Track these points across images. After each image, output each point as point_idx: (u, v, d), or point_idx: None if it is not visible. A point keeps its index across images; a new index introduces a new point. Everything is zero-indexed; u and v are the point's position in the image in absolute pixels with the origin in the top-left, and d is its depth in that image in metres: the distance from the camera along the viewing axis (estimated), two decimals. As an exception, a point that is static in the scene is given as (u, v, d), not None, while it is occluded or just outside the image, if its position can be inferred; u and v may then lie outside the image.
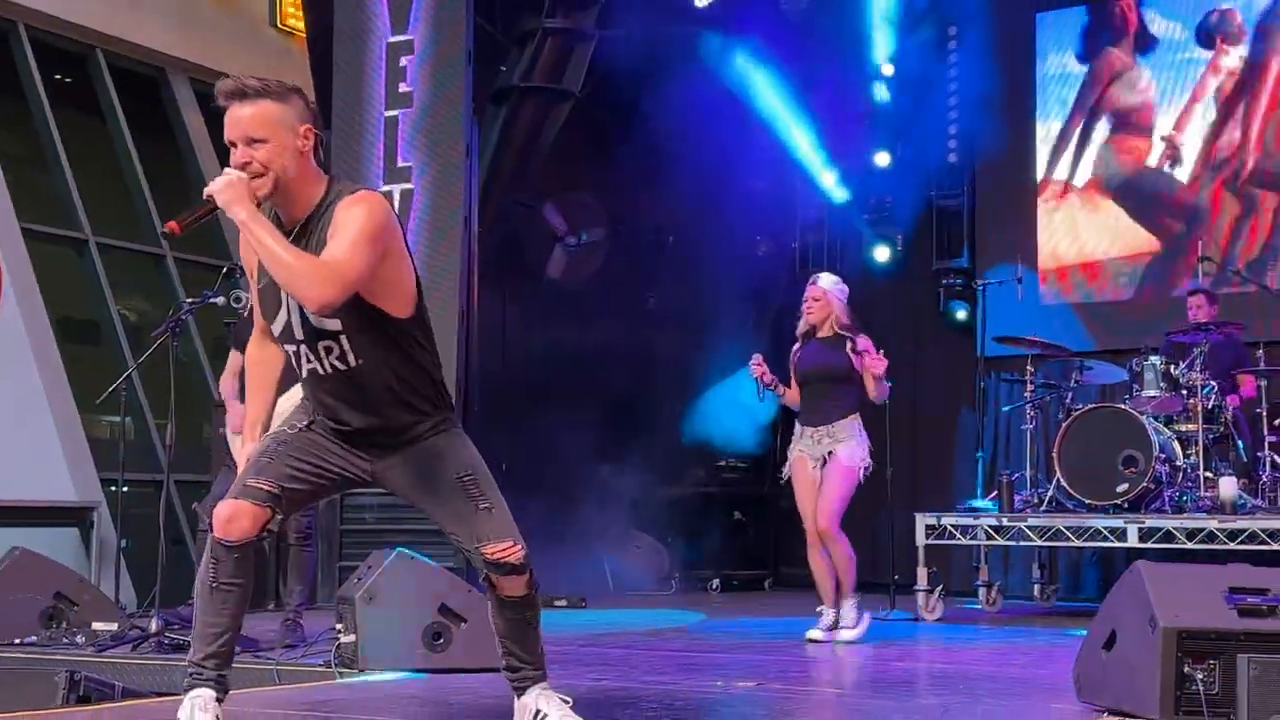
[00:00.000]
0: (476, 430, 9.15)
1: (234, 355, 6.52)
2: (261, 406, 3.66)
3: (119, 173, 10.97)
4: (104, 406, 9.17)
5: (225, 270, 6.94)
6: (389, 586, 5.29)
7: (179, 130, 11.49)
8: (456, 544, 3.66)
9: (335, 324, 3.41)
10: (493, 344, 9.55)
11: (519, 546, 3.55)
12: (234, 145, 3.43)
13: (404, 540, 7.16)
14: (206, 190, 3.40)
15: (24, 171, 10.27)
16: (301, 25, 10.79)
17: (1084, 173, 10.90)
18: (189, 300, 7.10)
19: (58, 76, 10.86)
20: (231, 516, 3.43)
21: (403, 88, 9.31)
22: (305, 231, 3.43)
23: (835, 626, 6.66)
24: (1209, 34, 10.49)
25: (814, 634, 6.64)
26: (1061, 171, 10.97)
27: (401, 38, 9.36)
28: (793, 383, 6.90)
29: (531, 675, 3.70)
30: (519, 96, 9.84)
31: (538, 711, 3.65)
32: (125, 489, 8.35)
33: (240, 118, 3.41)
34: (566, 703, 3.67)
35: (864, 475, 6.78)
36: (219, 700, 3.44)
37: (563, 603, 8.79)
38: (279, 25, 12.27)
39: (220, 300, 6.82)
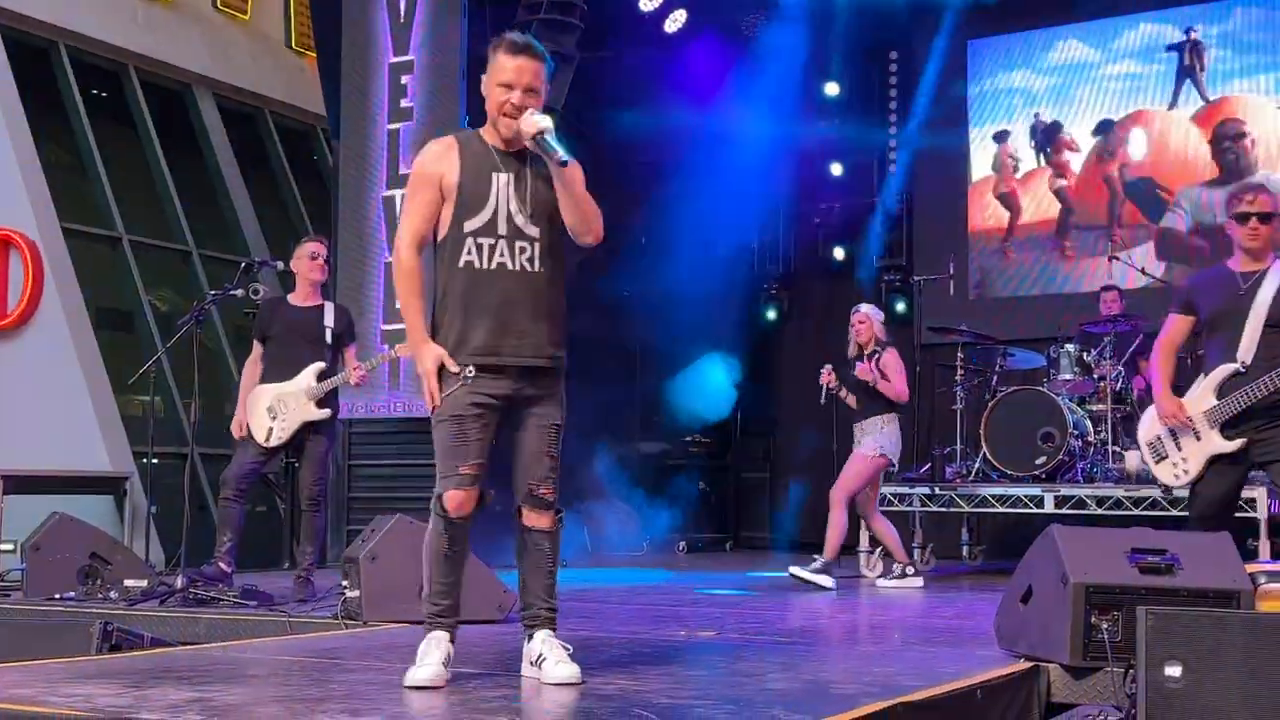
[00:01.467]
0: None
1: (256, 345, 6.50)
2: (419, 313, 3.60)
3: (149, 178, 10.91)
4: (136, 387, 9.13)
5: (244, 265, 6.90)
6: (390, 548, 5.28)
7: (204, 140, 11.43)
8: (516, 478, 3.67)
9: (535, 231, 3.59)
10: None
11: (555, 489, 3.67)
12: (509, 88, 3.56)
13: (404, 507, 7.16)
14: (539, 129, 3.51)
15: (65, 177, 10.21)
16: (313, 47, 10.73)
17: (1010, 180, 10.93)
18: (212, 292, 7.06)
19: (94, 92, 10.79)
20: (462, 502, 3.56)
21: (404, 103, 9.28)
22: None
23: (825, 571, 7.29)
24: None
25: (797, 570, 7.34)
26: (989, 179, 11.00)
27: (403, 58, 9.32)
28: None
29: (543, 615, 3.69)
30: (508, 112, 9.79)
31: (540, 655, 3.64)
32: (155, 460, 8.31)
33: (532, 69, 3.58)
34: (566, 649, 3.65)
35: (884, 464, 7.49)
36: (451, 640, 3.61)
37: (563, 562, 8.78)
38: (294, 46, 12.20)
39: (239, 292, 6.79)
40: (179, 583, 5.95)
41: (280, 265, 6.88)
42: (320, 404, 6.32)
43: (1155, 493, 7.55)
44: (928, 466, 8.66)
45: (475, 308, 3.56)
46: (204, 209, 11.21)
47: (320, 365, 6.34)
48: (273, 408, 6.30)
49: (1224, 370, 4.79)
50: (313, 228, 11.03)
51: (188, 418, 8.95)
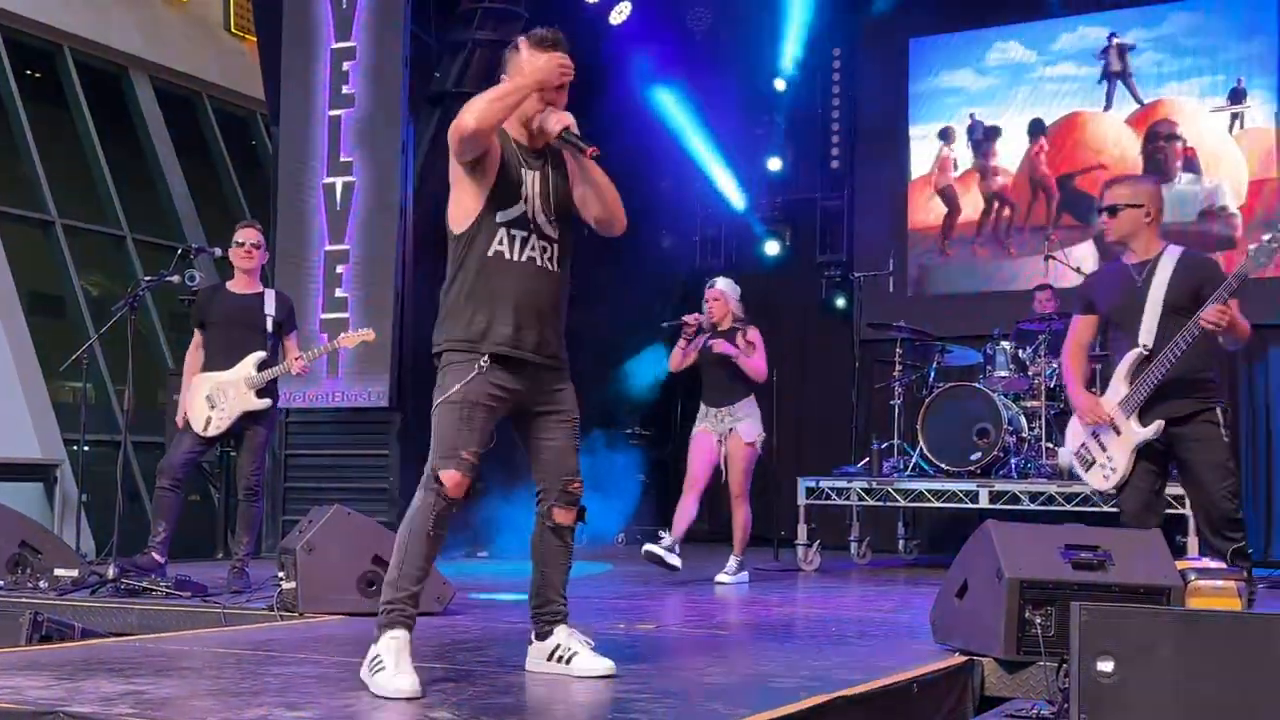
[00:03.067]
0: (411, 399, 9.10)
1: (196, 332, 6.42)
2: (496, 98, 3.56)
3: (83, 161, 10.71)
4: (67, 373, 8.97)
5: (181, 252, 6.80)
6: (327, 539, 5.23)
7: (139, 124, 11.24)
8: (540, 473, 3.66)
9: (555, 232, 3.63)
10: (426, 321, 9.37)
11: (582, 483, 3.68)
12: (546, 89, 3.56)
13: (341, 498, 7.09)
14: (565, 124, 3.53)
15: (-5, 158, 10.01)
16: (254, 30, 10.58)
17: (949, 179, 11.03)
18: (147, 278, 6.95)
19: (28, 72, 10.56)
20: (459, 484, 3.47)
21: (345, 90, 9.18)
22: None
23: (671, 549, 7.08)
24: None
25: (652, 548, 7.12)
26: (929, 177, 11.10)
27: (345, 44, 9.22)
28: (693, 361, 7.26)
29: (561, 610, 3.68)
30: (451, 100, 9.71)
31: (569, 649, 3.61)
32: (86, 448, 8.17)
33: (568, 66, 3.60)
34: (589, 643, 3.64)
35: (760, 448, 7.20)
36: (410, 638, 3.42)
37: (484, 555, 8.75)
38: (233, 30, 12.03)
39: (176, 279, 6.69)
40: (111, 572, 5.86)
41: (218, 252, 6.79)
42: (260, 393, 6.25)
43: (1086, 489, 7.65)
44: (866, 461, 8.73)
45: (500, 299, 3.52)
46: (139, 193, 11.03)
47: (261, 354, 6.27)
48: (211, 396, 6.22)
49: (1131, 356, 4.80)
50: (251, 214, 10.88)
51: (120, 405, 8.81)
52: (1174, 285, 4.76)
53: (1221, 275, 4.73)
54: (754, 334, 7.17)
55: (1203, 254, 5.17)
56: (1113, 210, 4.86)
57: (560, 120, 3.53)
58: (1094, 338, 5.17)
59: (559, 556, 3.69)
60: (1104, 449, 4.89)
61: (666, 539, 7.14)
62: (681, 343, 7.17)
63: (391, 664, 3.30)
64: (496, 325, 3.52)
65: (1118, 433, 4.83)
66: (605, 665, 3.56)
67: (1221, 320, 4.57)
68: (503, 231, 3.54)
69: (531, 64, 3.57)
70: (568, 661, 3.60)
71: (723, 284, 7.36)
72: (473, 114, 3.44)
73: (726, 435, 7.12)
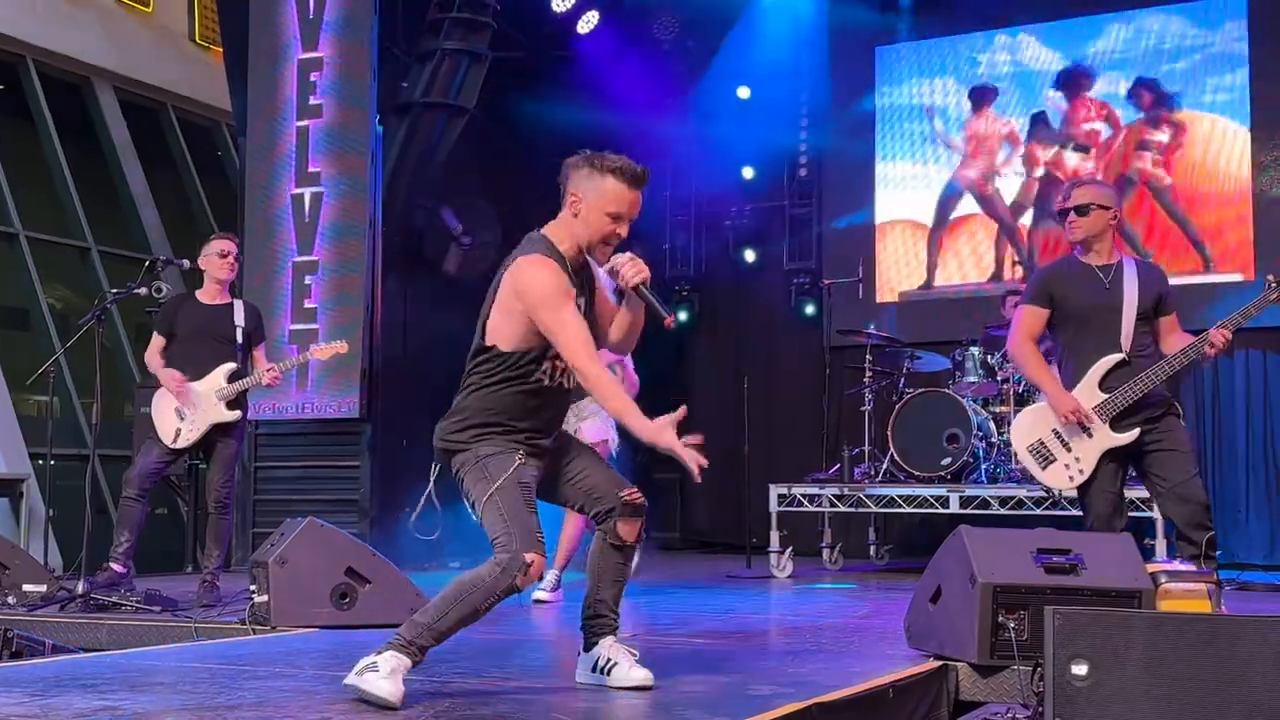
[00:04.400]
0: (380, 407, 9.08)
1: (156, 337, 6.38)
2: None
3: (47, 172, 10.64)
4: (33, 387, 8.90)
5: (148, 263, 6.75)
6: (300, 551, 5.21)
7: (103, 134, 11.17)
8: (593, 501, 3.64)
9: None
10: (395, 330, 9.45)
11: (639, 492, 3.64)
12: (619, 219, 3.57)
13: (311, 510, 7.06)
14: (645, 278, 3.54)
15: (-42, 171, 9.92)
16: (219, 40, 10.54)
17: (916, 186, 11.11)
18: (114, 290, 6.90)
19: (-10, 83, 10.50)
20: (541, 569, 3.45)
21: (313, 100, 9.16)
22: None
23: (556, 585, 6.33)
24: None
25: (541, 595, 6.22)
26: (896, 185, 11.17)
27: (312, 54, 9.20)
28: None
29: (611, 624, 3.68)
30: (419, 110, 9.72)
31: (609, 660, 3.61)
32: (53, 463, 8.10)
33: (638, 201, 3.61)
34: (633, 654, 3.63)
35: (614, 450, 6.56)
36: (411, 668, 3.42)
37: (456, 565, 8.73)
38: (198, 40, 11.98)
39: (143, 291, 6.63)
40: (80, 588, 5.81)
41: (186, 264, 6.75)
42: (230, 405, 6.22)
43: (1055, 492, 7.71)
44: (837, 467, 8.76)
45: (533, 417, 3.57)
46: (103, 205, 10.96)
47: (231, 366, 6.24)
48: (180, 408, 6.18)
49: (1108, 361, 4.82)
50: (218, 225, 10.83)
51: (88, 419, 8.75)
52: (1142, 293, 4.83)
53: (1170, 287, 4.90)
54: (628, 368, 6.57)
55: (1154, 264, 5.28)
56: (1084, 210, 4.88)
57: (639, 273, 3.52)
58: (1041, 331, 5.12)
59: (617, 573, 3.70)
60: (1068, 449, 4.87)
61: (550, 575, 6.30)
62: None
63: (385, 670, 3.31)
64: (531, 436, 3.57)
65: (1089, 435, 4.84)
66: (641, 676, 3.57)
67: (1225, 345, 4.75)
68: (549, 364, 3.55)
69: (612, 196, 3.55)
70: (608, 672, 3.61)
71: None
72: (602, 383, 3.44)
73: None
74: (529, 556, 3.37)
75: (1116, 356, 4.82)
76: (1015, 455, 5.04)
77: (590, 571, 3.73)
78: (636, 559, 6.41)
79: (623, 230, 3.55)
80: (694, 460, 3.35)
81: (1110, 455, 4.83)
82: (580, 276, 3.61)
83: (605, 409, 3.55)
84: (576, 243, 3.58)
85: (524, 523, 3.42)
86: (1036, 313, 5.00)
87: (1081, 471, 4.85)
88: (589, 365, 3.40)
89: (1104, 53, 10.49)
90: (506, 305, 3.50)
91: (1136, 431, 4.79)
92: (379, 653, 3.37)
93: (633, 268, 3.50)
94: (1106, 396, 4.81)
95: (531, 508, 3.47)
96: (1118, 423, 4.81)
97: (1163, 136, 10.22)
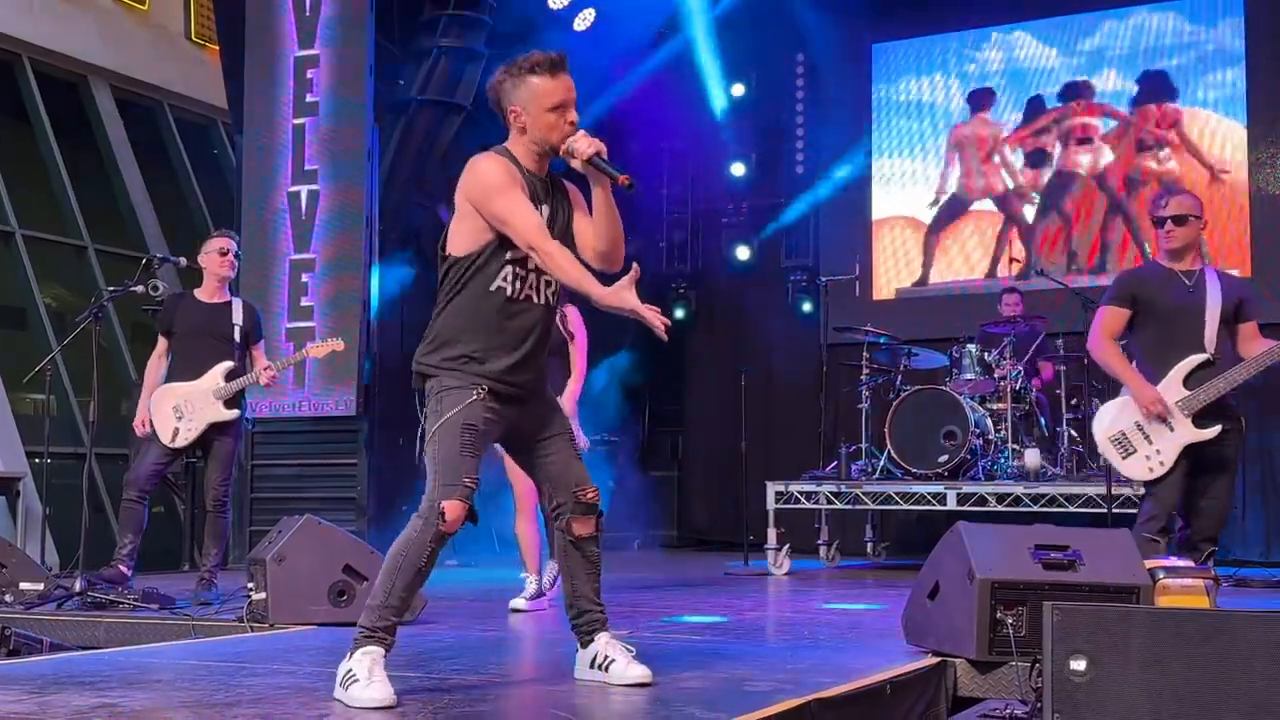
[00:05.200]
0: (377, 405, 9.07)
1: (160, 339, 6.36)
2: (585, 273, 3.45)
3: (43, 171, 10.62)
4: (30, 385, 8.88)
5: (145, 261, 6.74)
6: (297, 549, 5.20)
7: (99, 132, 11.15)
8: (551, 489, 3.61)
9: None
10: (392, 326, 9.46)
11: (597, 490, 3.63)
12: (563, 108, 3.50)
13: (308, 507, 7.05)
14: (597, 149, 3.46)
15: (-47, 169, 9.91)
16: (215, 38, 10.52)
17: (913, 183, 11.12)
18: (111, 288, 6.89)
19: (-14, 82, 10.48)
20: (460, 515, 3.38)
21: (309, 98, 9.15)
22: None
23: (538, 594, 5.97)
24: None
25: (518, 603, 5.87)
26: (892, 182, 11.17)
27: (308, 52, 9.19)
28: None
29: (598, 618, 3.65)
30: (416, 108, 9.72)
31: (606, 657, 3.59)
32: (49, 461, 8.09)
33: (571, 84, 3.53)
34: (630, 651, 3.62)
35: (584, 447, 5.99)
36: (385, 655, 3.38)
37: (453, 563, 8.73)
38: (194, 39, 11.96)
39: (140, 289, 6.62)
40: (76, 586, 5.81)
41: (183, 261, 6.74)
42: (228, 404, 6.21)
43: (1053, 490, 7.74)
44: (834, 464, 8.77)
45: (499, 335, 3.47)
46: (100, 203, 10.94)
47: (229, 364, 6.23)
48: (179, 407, 6.17)
49: (1194, 360, 5.01)
50: (214, 223, 10.81)
51: (84, 417, 8.74)
52: (1225, 300, 5.04)
53: (1255, 294, 5.15)
54: (573, 312, 6.12)
55: (1235, 274, 5.43)
56: (1182, 220, 5.08)
57: (592, 144, 3.47)
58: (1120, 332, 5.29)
59: (585, 568, 3.66)
60: (1150, 441, 5.06)
61: (530, 583, 5.99)
62: None
63: (364, 675, 3.26)
64: (494, 359, 3.47)
65: (1170, 429, 5.01)
66: (638, 673, 3.55)
67: None
68: (509, 269, 3.48)
69: (542, 93, 3.49)
70: (606, 669, 3.59)
71: None
72: (552, 255, 3.37)
73: None
74: (444, 505, 3.34)
75: (1201, 356, 5.01)
76: (1096, 445, 5.22)
77: (562, 571, 3.72)
78: (536, 595, 5.88)
79: (571, 116, 3.51)
80: (656, 317, 3.34)
81: (1187, 452, 5.01)
82: (552, 194, 3.58)
83: (564, 280, 3.42)
84: (533, 154, 3.54)
85: (451, 467, 3.37)
86: (1118, 313, 5.17)
87: (1162, 464, 5.03)
88: (543, 242, 3.38)
89: (1101, 50, 10.50)
90: (460, 210, 3.50)
91: (1219, 428, 4.98)
92: (350, 655, 3.34)
93: (585, 141, 3.47)
94: (1190, 393, 5.00)
95: (469, 451, 3.39)
96: (1199, 419, 5.00)
97: (1160, 134, 10.23)
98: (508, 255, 3.47)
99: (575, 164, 3.51)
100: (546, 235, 3.41)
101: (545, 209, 3.53)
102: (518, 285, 3.50)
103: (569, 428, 3.70)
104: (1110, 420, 5.18)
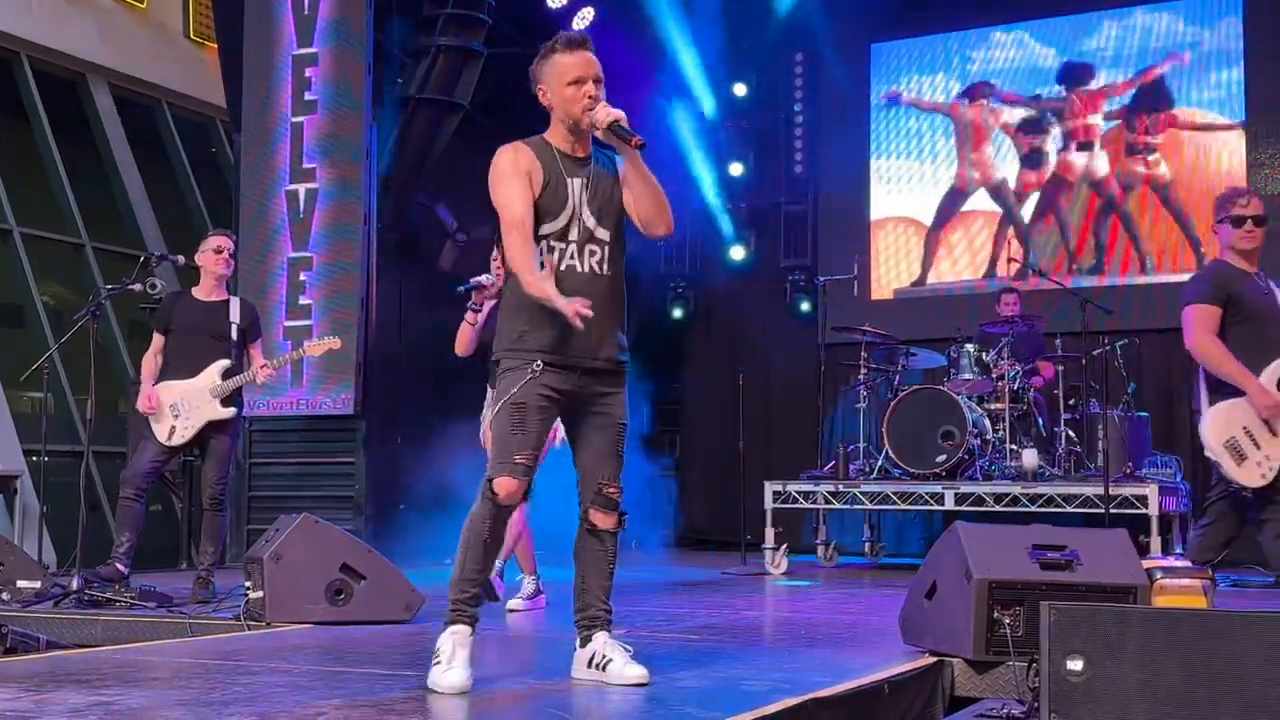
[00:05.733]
0: (376, 402, 9.06)
1: (156, 336, 6.36)
2: (529, 256, 3.55)
3: (41, 169, 10.61)
4: (27, 383, 8.88)
5: (143, 260, 6.74)
6: (295, 547, 5.20)
7: (97, 131, 11.14)
8: (581, 478, 3.70)
9: (606, 234, 3.65)
10: (390, 325, 9.46)
11: (621, 489, 3.70)
12: (580, 83, 3.59)
13: (305, 506, 7.05)
14: (615, 118, 3.55)
15: (-49, 167, 9.90)
16: (214, 37, 10.51)
17: (911, 183, 11.12)
18: (108, 286, 6.88)
19: (-16, 79, 10.47)
20: (513, 491, 3.54)
21: (308, 96, 9.15)
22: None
23: (535, 593, 5.94)
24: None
25: (515, 603, 5.83)
26: (891, 182, 11.17)
27: (306, 50, 9.18)
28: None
29: (602, 617, 3.67)
30: (414, 106, 9.71)
31: (604, 657, 3.61)
32: (47, 459, 8.08)
33: (593, 59, 3.64)
34: (627, 650, 3.63)
35: (557, 441, 5.55)
36: (472, 634, 3.56)
37: (450, 563, 8.71)
38: (192, 37, 11.95)
39: (137, 287, 6.62)
40: (74, 584, 5.80)
41: (180, 260, 6.74)
42: (225, 402, 6.21)
43: (1050, 490, 7.73)
44: (832, 464, 8.77)
45: (544, 309, 3.50)
46: (98, 201, 10.93)
47: (226, 362, 6.22)
48: (176, 405, 6.17)
49: None
50: (212, 221, 10.81)
51: (82, 415, 8.72)
52: None
53: None
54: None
55: None
56: (1262, 220, 5.04)
57: (610, 114, 3.56)
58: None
59: (599, 561, 3.69)
60: (1258, 447, 4.96)
61: (526, 585, 5.94)
62: (470, 317, 5.85)
63: (445, 658, 3.45)
64: (541, 333, 3.55)
65: (1273, 433, 4.94)
66: (636, 674, 3.56)
67: None
68: (543, 244, 3.58)
69: (562, 69, 3.60)
70: (603, 669, 3.61)
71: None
72: (510, 242, 3.53)
73: None
74: (498, 481, 3.53)
75: None
76: (1206, 448, 5.05)
77: (576, 558, 3.76)
78: (534, 592, 5.89)
79: (591, 90, 3.59)
80: (570, 308, 3.39)
81: None
82: (590, 169, 3.66)
83: (508, 265, 3.54)
84: (563, 130, 3.65)
85: (503, 445, 3.54)
86: (1213, 311, 5.03)
87: (1273, 469, 4.93)
88: (507, 229, 3.53)
89: (1099, 49, 10.50)
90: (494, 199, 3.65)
91: None
92: (443, 629, 3.54)
93: (603, 111, 3.57)
94: None
95: (520, 429, 3.52)
96: None
97: (1159, 134, 10.23)
98: (543, 231, 3.58)
99: (600, 135, 3.61)
100: (516, 224, 3.53)
101: (576, 183, 3.62)
102: (555, 257, 3.59)
103: (622, 422, 3.69)
104: (1223, 424, 4.99)
